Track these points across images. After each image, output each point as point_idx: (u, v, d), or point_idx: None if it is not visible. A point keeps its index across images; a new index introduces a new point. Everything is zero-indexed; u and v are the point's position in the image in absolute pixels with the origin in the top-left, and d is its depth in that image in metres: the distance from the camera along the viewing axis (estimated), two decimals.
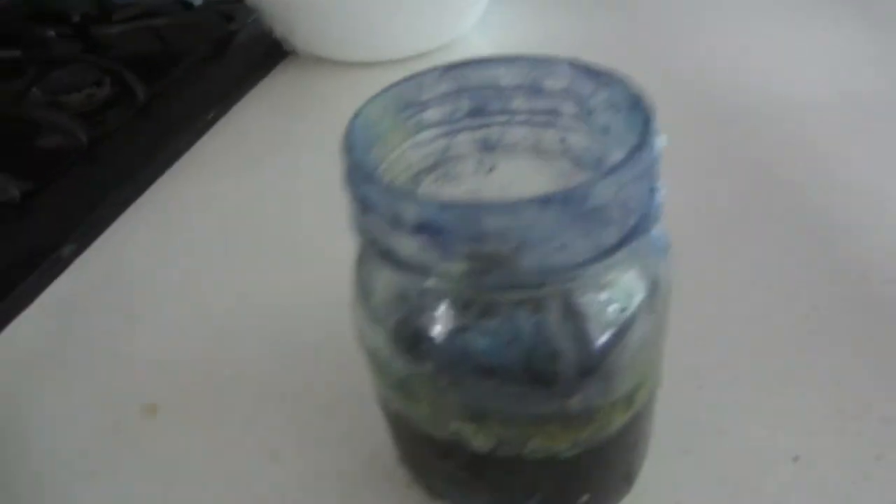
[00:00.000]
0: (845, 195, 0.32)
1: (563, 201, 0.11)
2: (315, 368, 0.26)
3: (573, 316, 0.14)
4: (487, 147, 0.18)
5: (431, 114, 0.17)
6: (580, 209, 0.12)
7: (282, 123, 0.45)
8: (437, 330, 0.14)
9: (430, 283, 0.13)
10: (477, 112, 0.17)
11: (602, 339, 0.14)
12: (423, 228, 0.12)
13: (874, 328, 0.25)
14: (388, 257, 0.13)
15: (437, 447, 0.16)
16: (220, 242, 0.34)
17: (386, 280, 0.15)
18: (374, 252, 0.14)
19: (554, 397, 0.14)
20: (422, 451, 0.17)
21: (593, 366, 0.14)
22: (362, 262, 0.16)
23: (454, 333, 0.14)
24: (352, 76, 0.49)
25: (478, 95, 0.17)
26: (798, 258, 0.29)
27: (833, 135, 0.36)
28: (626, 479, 0.18)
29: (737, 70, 0.42)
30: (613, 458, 0.17)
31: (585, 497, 0.17)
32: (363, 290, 0.16)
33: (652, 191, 0.14)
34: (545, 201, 0.11)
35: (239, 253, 0.33)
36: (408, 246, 0.13)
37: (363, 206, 0.13)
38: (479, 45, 0.50)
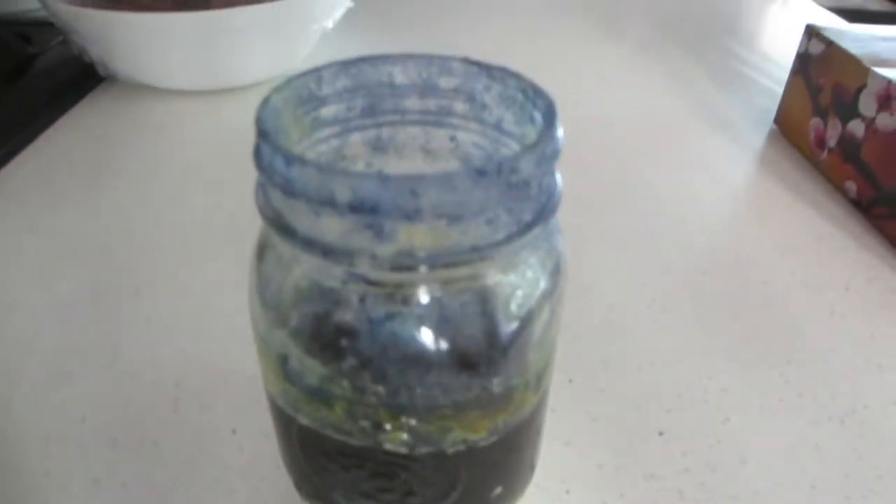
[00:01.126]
0: (658, 195, 0.37)
1: (497, 172, 0.12)
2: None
3: (494, 297, 0.14)
4: (378, 148, 0.18)
5: (327, 111, 0.16)
6: (509, 181, 0.12)
7: (96, 151, 0.41)
8: (360, 322, 0.13)
9: (358, 268, 0.12)
10: (370, 111, 0.17)
11: (521, 317, 0.14)
12: (358, 207, 0.12)
13: (701, 312, 0.29)
14: (312, 245, 0.13)
15: (349, 457, 0.16)
16: (32, 284, 0.30)
17: (297, 278, 0.14)
18: (289, 246, 0.13)
19: (478, 380, 0.14)
20: (329, 467, 0.16)
21: (513, 345, 0.14)
22: (263, 268, 0.15)
23: (378, 323, 0.13)
24: (171, 104, 0.46)
25: (372, 94, 0.17)
26: (639, 254, 0.32)
27: (639, 143, 0.42)
28: (531, 467, 0.19)
29: (566, 91, 0.47)
30: (524, 444, 0.17)
31: (499, 489, 0.17)
32: (266, 293, 0.15)
33: (554, 175, 0.15)
34: (481, 172, 0.12)
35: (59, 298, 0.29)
36: (336, 229, 0.12)
37: (286, 191, 0.12)
38: None
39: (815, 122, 0.41)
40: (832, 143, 0.39)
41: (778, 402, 0.25)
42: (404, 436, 0.15)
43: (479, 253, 0.13)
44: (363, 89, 0.17)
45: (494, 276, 0.14)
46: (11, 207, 0.35)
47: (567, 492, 0.21)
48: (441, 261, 0.12)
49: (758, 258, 0.33)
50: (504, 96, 0.16)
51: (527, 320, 0.14)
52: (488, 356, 0.14)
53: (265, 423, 0.19)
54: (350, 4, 0.50)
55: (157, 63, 0.45)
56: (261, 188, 0.14)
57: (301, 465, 0.17)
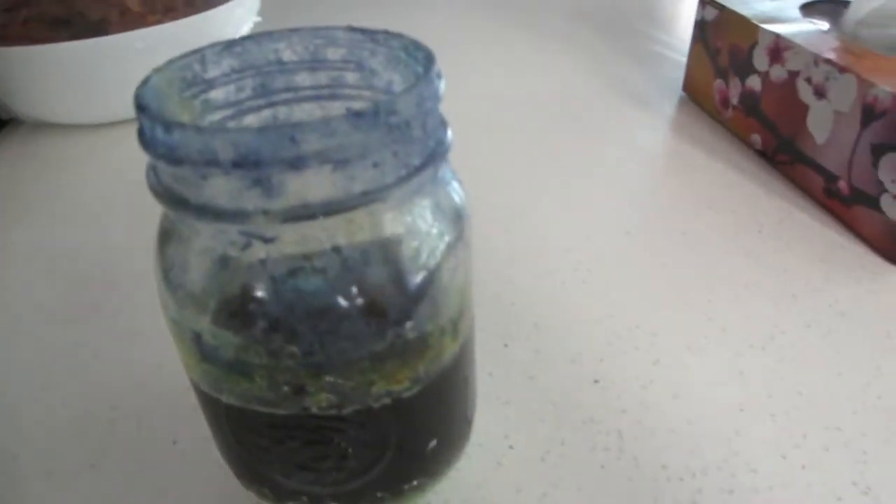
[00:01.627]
0: (579, 167, 0.38)
1: (373, 114, 0.12)
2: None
3: (395, 244, 0.14)
4: None
5: (217, 94, 0.16)
6: (388, 122, 0.12)
7: (9, 190, 0.40)
8: (264, 283, 0.14)
9: (253, 226, 0.13)
10: (262, 91, 0.17)
11: (424, 263, 0.15)
12: (241, 161, 0.12)
13: (626, 268, 0.30)
14: (204, 212, 0.13)
15: (279, 429, 0.16)
16: None
17: (198, 253, 0.14)
18: (184, 218, 0.13)
19: (389, 327, 0.14)
20: (261, 444, 0.16)
21: (420, 289, 0.15)
22: (164, 241, 0.15)
23: (282, 282, 0.14)
24: (78, 138, 0.45)
25: (262, 73, 0.17)
26: (562, 223, 0.33)
27: (559, 122, 0.43)
28: (467, 422, 0.19)
29: (488, 78, 0.49)
30: (452, 395, 0.17)
31: (433, 442, 0.17)
32: (171, 277, 0.15)
33: (444, 123, 0.15)
34: (359, 114, 0.12)
35: None
36: (226, 191, 0.12)
37: (172, 159, 0.12)
38: None
39: (718, 83, 0.43)
40: (735, 100, 0.41)
41: (703, 339, 0.26)
42: (328, 396, 0.15)
43: (369, 196, 0.13)
44: (251, 69, 0.17)
45: (392, 224, 0.14)
46: None
47: (510, 447, 0.22)
48: (333, 207, 0.13)
49: (676, 213, 0.35)
50: (390, 58, 0.16)
51: (431, 266, 0.15)
52: (396, 303, 0.14)
53: (206, 427, 0.18)
54: (257, 18, 0.50)
55: (58, 98, 0.44)
56: (151, 169, 0.14)
57: (235, 450, 0.17)
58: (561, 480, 0.21)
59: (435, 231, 0.15)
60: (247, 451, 0.17)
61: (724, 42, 0.42)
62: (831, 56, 0.33)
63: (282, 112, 0.18)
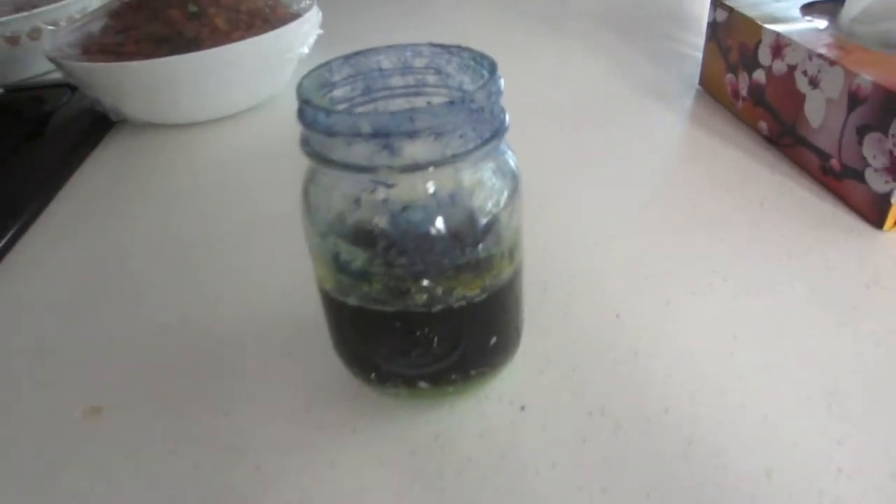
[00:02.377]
0: (606, 155, 0.44)
1: (461, 102, 0.19)
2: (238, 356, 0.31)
3: (471, 192, 0.21)
4: None
5: (338, 92, 0.23)
6: (469, 108, 0.19)
7: (121, 184, 0.48)
8: (385, 215, 0.20)
9: (380, 176, 0.19)
10: (367, 90, 0.24)
11: (490, 206, 0.21)
12: (376, 133, 0.18)
13: (646, 234, 0.36)
14: (347, 167, 0.19)
15: (387, 322, 0.22)
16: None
17: (337, 197, 0.21)
18: (329, 171, 0.20)
19: (466, 248, 0.21)
20: (372, 335, 0.23)
21: (487, 224, 0.21)
22: (311, 190, 0.22)
23: (398, 215, 0.20)
24: (176, 137, 0.53)
25: (367, 77, 0.24)
26: (591, 200, 0.40)
27: (586, 117, 0.49)
28: (517, 332, 0.26)
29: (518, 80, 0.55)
30: (507, 305, 0.24)
31: (494, 339, 0.24)
32: (316, 217, 0.22)
33: (503, 110, 0.22)
34: (452, 103, 0.19)
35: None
36: (363, 153, 0.19)
37: (328, 133, 0.19)
38: (289, 101, 0.58)
39: (729, 77, 0.48)
40: (744, 92, 0.47)
41: (706, 286, 0.32)
42: (424, 296, 0.21)
43: (456, 158, 0.19)
44: (360, 75, 0.24)
45: (469, 178, 0.21)
46: (62, 239, 0.42)
47: (548, 361, 0.28)
48: (432, 164, 0.19)
49: (690, 191, 0.40)
50: (461, 65, 0.23)
51: (494, 209, 0.21)
52: (471, 232, 0.21)
53: (312, 344, 0.25)
54: (320, 31, 0.57)
55: (161, 103, 0.52)
56: (304, 139, 0.21)
57: (352, 344, 0.24)
58: (587, 385, 0.27)
59: (497, 185, 0.22)
60: (362, 341, 0.23)
61: (734, 41, 0.47)
62: (823, 51, 0.38)
63: (380, 106, 0.25)
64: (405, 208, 0.20)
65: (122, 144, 0.53)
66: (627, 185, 0.41)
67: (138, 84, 0.49)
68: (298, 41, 0.55)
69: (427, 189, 0.20)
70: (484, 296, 0.22)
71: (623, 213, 0.38)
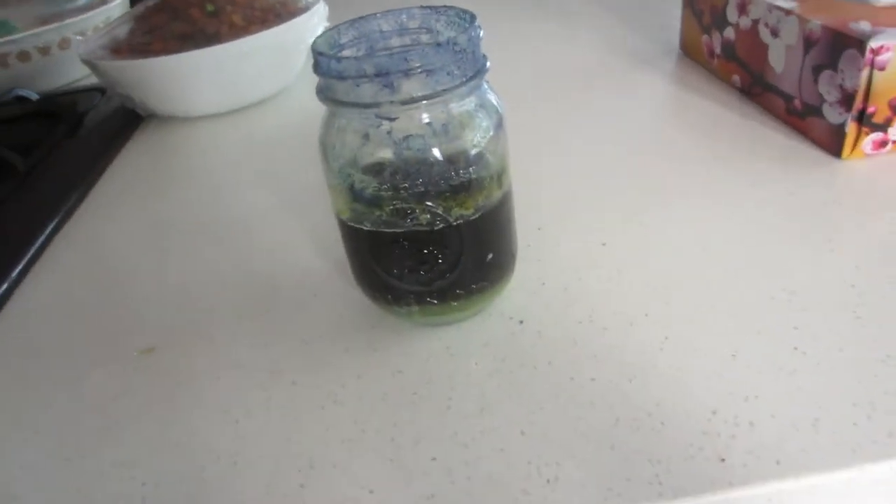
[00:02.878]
0: (596, 116, 0.48)
1: (447, 43, 0.23)
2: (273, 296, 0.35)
3: (460, 123, 0.25)
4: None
5: (346, 52, 0.28)
6: (454, 49, 0.23)
7: (156, 170, 0.53)
8: (390, 144, 0.25)
9: (383, 111, 0.24)
10: (371, 49, 0.28)
11: (479, 133, 0.26)
12: (378, 73, 0.23)
13: (633, 177, 0.40)
14: (356, 105, 0.24)
15: (398, 242, 0.27)
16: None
17: (350, 135, 0.25)
18: (342, 111, 0.24)
19: (459, 170, 0.25)
20: (385, 255, 0.27)
21: (476, 150, 0.25)
22: (328, 133, 0.26)
23: (400, 143, 0.25)
24: (201, 128, 0.58)
25: (370, 38, 0.28)
26: (581, 153, 0.44)
27: (576, 83, 0.53)
28: (511, 255, 0.30)
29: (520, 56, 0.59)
30: (499, 224, 0.28)
31: (490, 255, 0.28)
32: (332, 155, 0.26)
33: (485, 56, 0.26)
34: (439, 44, 0.23)
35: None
36: (368, 92, 0.23)
37: (340, 77, 0.23)
38: (302, 91, 0.62)
39: (705, 38, 0.52)
40: (718, 50, 0.51)
41: (677, 213, 0.36)
42: (426, 216, 0.26)
43: (446, 92, 0.24)
44: (364, 36, 0.28)
45: (458, 110, 0.25)
46: (105, 220, 0.47)
47: (542, 284, 0.32)
48: (426, 98, 0.23)
49: (674, 138, 0.44)
50: (448, 22, 0.27)
51: (482, 136, 0.26)
52: (463, 156, 0.25)
53: (336, 288, 0.29)
54: (327, 24, 0.62)
55: (186, 95, 0.57)
56: (319, 89, 0.25)
57: (369, 268, 0.28)
58: (577, 300, 0.31)
59: (483, 116, 0.26)
60: (377, 262, 0.28)
61: (705, 4, 0.51)
62: (780, 3, 0.42)
63: None
64: (406, 138, 0.24)
65: (152, 138, 0.58)
66: (614, 140, 0.46)
67: (165, 78, 0.54)
68: (308, 33, 0.59)
69: (423, 120, 0.24)
70: (478, 214, 0.26)
71: (610, 162, 0.43)
